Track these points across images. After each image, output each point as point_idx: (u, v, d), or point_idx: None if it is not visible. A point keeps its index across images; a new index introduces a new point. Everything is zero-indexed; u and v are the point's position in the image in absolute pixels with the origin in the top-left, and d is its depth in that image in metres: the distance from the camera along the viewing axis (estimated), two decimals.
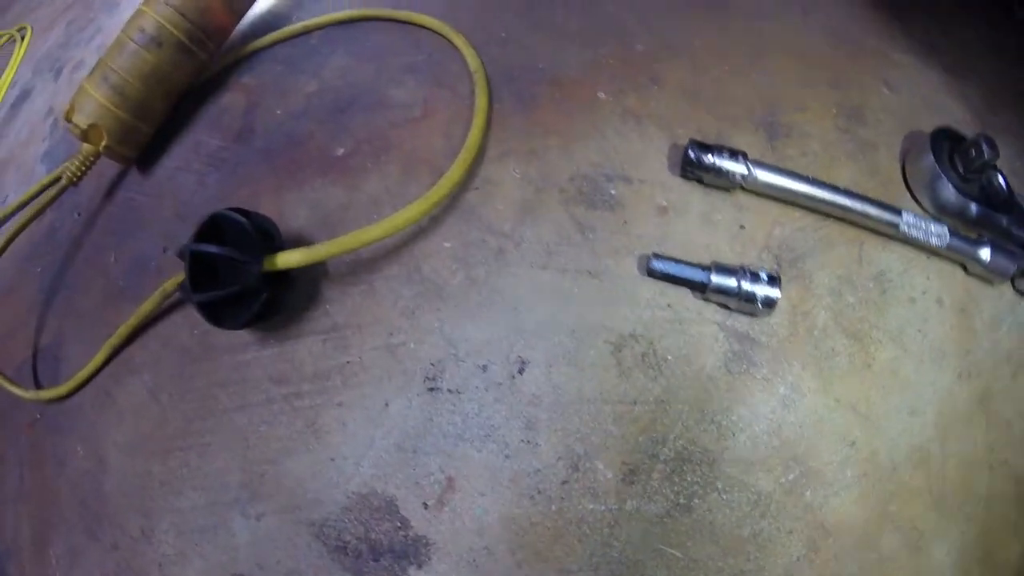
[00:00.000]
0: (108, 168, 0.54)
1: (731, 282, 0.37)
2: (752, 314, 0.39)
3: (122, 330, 0.47)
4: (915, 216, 0.44)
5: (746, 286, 0.37)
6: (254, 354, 0.44)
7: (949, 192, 0.46)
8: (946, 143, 0.46)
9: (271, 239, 0.42)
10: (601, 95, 0.43)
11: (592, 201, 0.40)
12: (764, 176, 0.40)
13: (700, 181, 0.41)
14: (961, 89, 0.50)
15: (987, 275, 0.46)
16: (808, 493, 0.41)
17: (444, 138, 0.43)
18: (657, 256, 0.38)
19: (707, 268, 0.38)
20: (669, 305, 0.39)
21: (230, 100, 0.51)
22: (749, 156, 0.40)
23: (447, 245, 0.40)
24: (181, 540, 0.40)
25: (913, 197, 0.46)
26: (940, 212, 0.46)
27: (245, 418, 0.43)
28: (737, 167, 0.40)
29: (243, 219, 0.41)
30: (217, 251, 0.39)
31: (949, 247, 0.45)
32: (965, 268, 0.46)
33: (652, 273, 0.38)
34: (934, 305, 0.45)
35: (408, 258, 0.41)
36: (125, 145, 0.50)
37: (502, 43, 0.46)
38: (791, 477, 0.40)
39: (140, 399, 0.47)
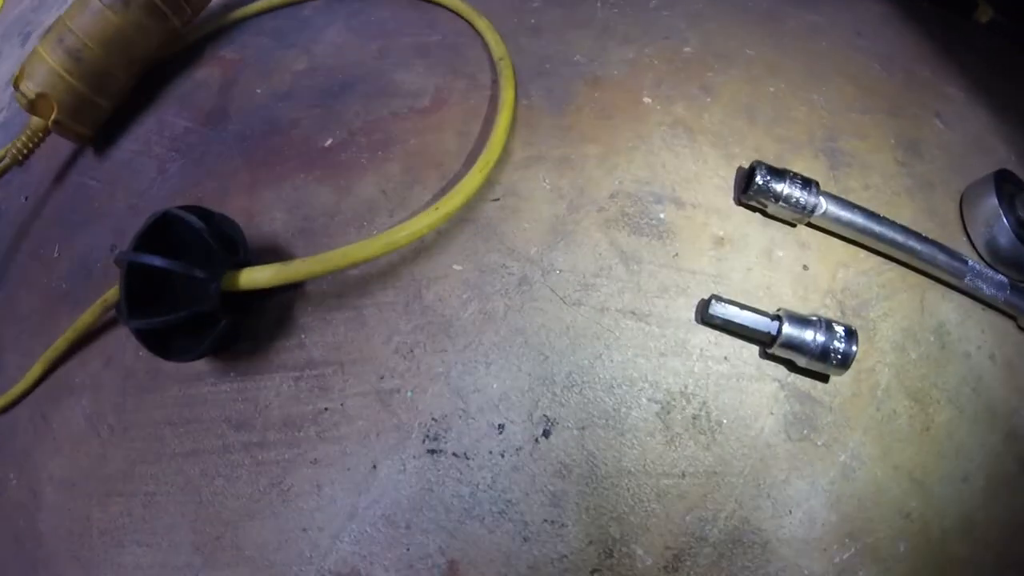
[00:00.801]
0: (64, 147, 0.39)
1: (806, 335, 0.26)
2: (822, 373, 0.27)
3: (59, 343, 0.36)
4: (980, 265, 0.34)
5: (821, 340, 0.26)
6: (210, 388, 0.31)
7: (1008, 239, 0.36)
8: (1008, 186, 0.36)
9: (235, 249, 0.28)
10: (647, 100, 0.31)
11: (638, 225, 0.29)
12: (835, 211, 0.30)
13: (763, 211, 0.29)
14: (1010, 132, 0.40)
15: None
16: (861, 573, 0.30)
17: (457, 136, 0.30)
18: (718, 299, 0.27)
19: (776, 317, 0.27)
20: (726, 358, 0.28)
21: (205, 75, 0.37)
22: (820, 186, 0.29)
23: (457, 268, 0.28)
24: None
25: (969, 241, 0.36)
26: (995, 259, 0.37)
27: (197, 467, 0.31)
28: (809, 199, 0.29)
29: (200, 223, 0.27)
30: (163, 264, 0.26)
31: (1008, 300, 0.35)
32: (1016, 321, 0.36)
33: (711, 320, 0.27)
34: (987, 361, 0.35)
35: (408, 282, 0.28)
36: (79, 121, 0.37)
37: (533, 31, 0.34)
38: (846, 556, 0.30)
39: (78, 428, 0.35)
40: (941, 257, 0.34)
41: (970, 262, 0.35)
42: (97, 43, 0.35)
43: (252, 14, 0.38)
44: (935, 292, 0.35)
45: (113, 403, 0.34)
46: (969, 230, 0.38)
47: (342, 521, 0.29)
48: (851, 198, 0.34)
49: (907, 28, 0.44)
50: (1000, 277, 0.36)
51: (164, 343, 0.28)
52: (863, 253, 0.33)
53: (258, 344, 0.30)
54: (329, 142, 0.33)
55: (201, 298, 0.28)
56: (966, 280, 0.35)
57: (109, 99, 0.37)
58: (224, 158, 0.34)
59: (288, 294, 0.30)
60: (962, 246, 0.38)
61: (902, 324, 0.33)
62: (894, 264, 0.34)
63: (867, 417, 0.32)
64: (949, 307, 0.36)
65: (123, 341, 0.34)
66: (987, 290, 0.35)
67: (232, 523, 0.30)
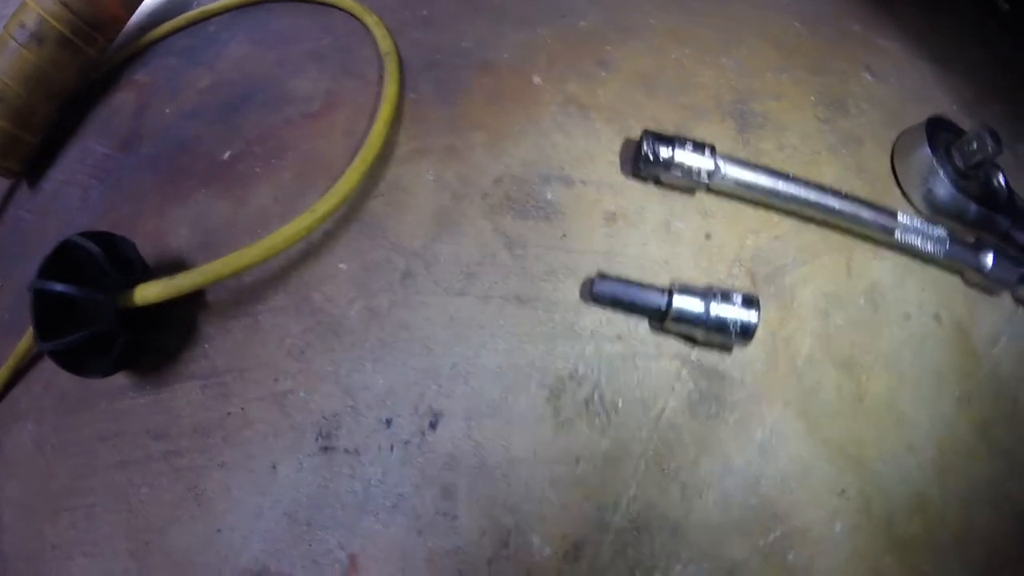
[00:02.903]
0: (2, 184, 0.40)
1: (697, 307, 0.24)
2: (724, 346, 0.25)
3: (2, 371, 0.34)
4: (912, 219, 0.30)
5: (716, 311, 0.24)
6: (131, 401, 0.31)
7: (947, 190, 0.32)
8: (942, 135, 0.32)
9: (133, 269, 0.28)
10: (537, 80, 0.29)
11: (523, 209, 0.27)
12: (736, 173, 0.27)
13: (657, 181, 0.27)
14: (950, 80, 0.36)
15: (987, 284, 0.33)
16: (791, 556, 0.28)
17: (345, 136, 0.29)
18: (603, 276, 0.25)
19: (666, 290, 0.25)
20: (619, 337, 0.26)
21: (121, 101, 0.37)
22: (717, 150, 0.26)
23: (343, 268, 0.27)
24: None
25: (905, 197, 0.32)
26: (934, 213, 0.33)
27: (125, 477, 0.31)
28: (703, 162, 0.26)
29: (97, 248, 0.27)
30: (62, 289, 0.27)
31: (948, 254, 0.31)
32: (963, 277, 0.33)
33: (597, 298, 0.25)
34: (931, 322, 0.32)
35: (297, 285, 0.27)
36: (7, 158, 0.37)
37: (424, 23, 0.33)
38: (771, 539, 0.28)
39: (27, 450, 0.35)
40: (866, 214, 0.30)
41: (901, 217, 0.31)
42: (17, 82, 0.34)
43: (163, 35, 0.38)
44: (864, 253, 0.31)
45: (53, 424, 0.34)
46: (903, 185, 0.34)
47: (250, 521, 0.28)
48: (764, 160, 0.31)
49: None
50: (939, 231, 0.32)
51: (77, 362, 0.29)
52: (777, 216, 0.30)
53: (168, 356, 0.30)
54: (227, 155, 0.32)
55: (99, 318, 0.28)
56: (898, 236, 0.31)
57: (34, 133, 0.37)
58: (137, 180, 0.34)
59: (192, 306, 0.30)
60: (898, 202, 0.35)
61: (825, 289, 0.30)
62: (814, 225, 0.31)
63: (787, 390, 0.29)
64: (883, 267, 0.32)
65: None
66: (924, 246, 0.32)
67: (159, 529, 0.30)
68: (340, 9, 0.34)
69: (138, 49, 0.38)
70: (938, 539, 0.32)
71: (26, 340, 0.34)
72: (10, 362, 0.34)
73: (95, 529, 0.32)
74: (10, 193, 0.39)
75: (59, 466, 0.33)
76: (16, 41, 0.35)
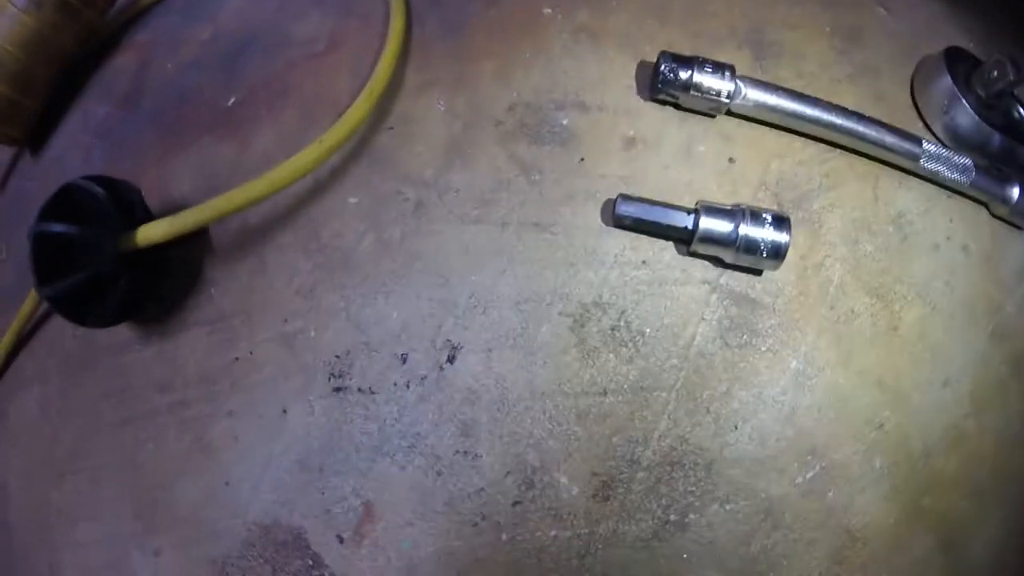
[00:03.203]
0: (5, 154, 0.38)
1: (726, 226, 0.23)
2: (754, 268, 0.24)
3: (7, 337, 0.33)
4: (937, 147, 0.29)
5: (745, 231, 0.23)
6: (136, 355, 0.30)
7: (969, 120, 0.31)
8: (962, 65, 0.31)
9: (135, 213, 0.27)
10: (547, 11, 0.28)
11: (538, 135, 0.26)
12: (757, 95, 0.26)
13: (676, 105, 0.26)
14: (962, 18, 0.35)
15: (1013, 217, 0.32)
16: (831, 494, 0.27)
17: (351, 75, 0.28)
18: (626, 198, 0.24)
19: (693, 211, 0.23)
20: (644, 262, 0.25)
21: (122, 62, 0.36)
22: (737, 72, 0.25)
23: (353, 201, 0.26)
24: None
25: (926, 126, 0.31)
26: (957, 144, 0.32)
27: (131, 435, 0.29)
28: (724, 84, 0.25)
29: (98, 189, 0.26)
30: (62, 229, 0.25)
31: (974, 184, 0.30)
32: (988, 208, 0.31)
33: (621, 221, 0.24)
34: (960, 253, 0.30)
35: (305, 221, 0.26)
36: (8, 123, 0.35)
37: None
38: (809, 476, 0.26)
39: (32, 416, 0.34)
40: (890, 139, 0.29)
41: (925, 144, 0.30)
42: (17, 47, 0.33)
43: None
44: (890, 179, 0.30)
45: (58, 387, 0.32)
46: (925, 115, 0.33)
47: (259, 471, 0.26)
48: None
49: None
50: (964, 160, 0.31)
51: (79, 310, 0.27)
52: (800, 142, 0.28)
53: (173, 303, 0.28)
54: (231, 101, 0.31)
55: (102, 259, 0.26)
56: (923, 163, 0.30)
57: (35, 99, 0.36)
58: (139, 135, 0.33)
59: (196, 249, 0.28)
60: (921, 133, 0.33)
61: (853, 215, 0.29)
62: (838, 152, 0.29)
63: (820, 318, 0.27)
64: (909, 196, 0.31)
65: (61, 327, 0.33)
66: (949, 174, 0.31)
67: (164, 485, 0.28)
68: None
69: (138, 11, 0.37)
70: (976, 478, 0.31)
71: (29, 302, 0.32)
72: (14, 327, 0.33)
73: (100, 492, 0.30)
74: (13, 163, 0.38)
75: (64, 430, 0.32)
76: (15, 7, 0.34)
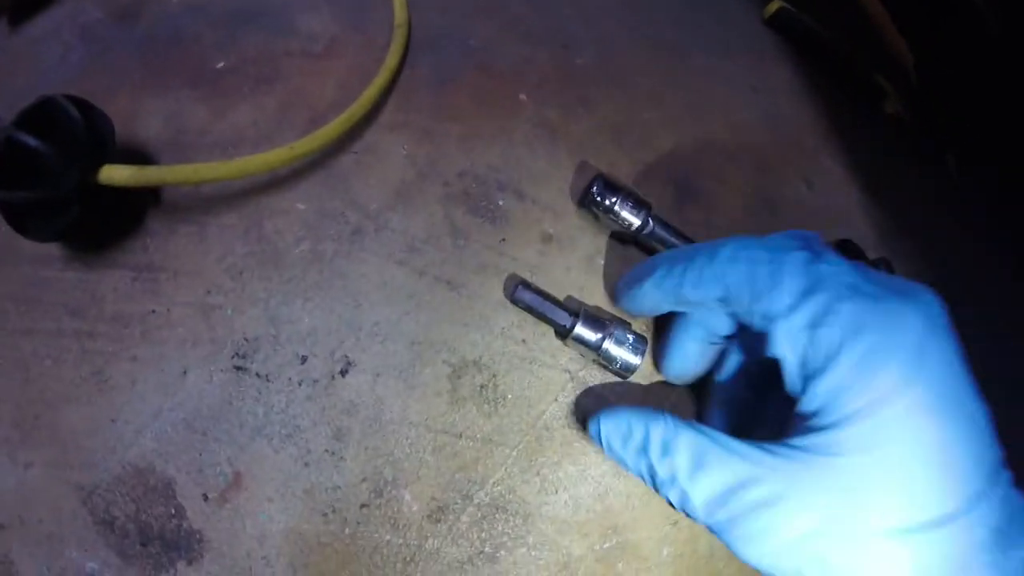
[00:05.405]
0: None
1: (595, 336, 0.29)
2: (613, 373, 0.30)
3: None
4: None
5: (607, 345, 0.29)
6: (57, 273, 0.32)
7: None
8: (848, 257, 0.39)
9: (104, 146, 0.29)
10: (523, 97, 0.33)
11: (476, 206, 0.31)
12: (661, 233, 0.32)
13: (595, 218, 0.32)
14: (878, 215, 0.43)
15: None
16: (621, 564, 0.33)
17: (338, 87, 0.32)
18: (526, 285, 0.29)
19: (575, 313, 0.29)
20: (524, 340, 0.30)
21: None
22: (653, 209, 0.31)
23: (300, 207, 0.29)
24: None
25: None
26: None
27: (31, 346, 0.32)
28: (637, 218, 0.31)
29: (78, 115, 0.28)
30: (35, 144, 0.28)
31: None
32: None
33: (516, 301, 0.29)
34: None
35: (252, 210, 0.30)
36: None
37: (441, 10, 0.36)
38: (606, 546, 0.33)
39: None
40: None
41: None
42: None
43: None
44: None
45: None
46: None
47: (147, 419, 0.30)
48: (690, 231, 0.37)
49: (806, 99, 0.47)
50: None
51: (23, 220, 0.29)
52: None
53: (106, 240, 0.31)
54: (221, 64, 0.33)
55: (62, 184, 0.29)
56: None
57: None
58: (123, 57, 0.34)
59: (145, 200, 0.31)
60: None
61: None
62: None
63: None
64: None
65: None
66: None
67: (52, 405, 0.31)
68: None
69: None
70: None
71: None
72: None
73: None
74: None
75: None
76: None
